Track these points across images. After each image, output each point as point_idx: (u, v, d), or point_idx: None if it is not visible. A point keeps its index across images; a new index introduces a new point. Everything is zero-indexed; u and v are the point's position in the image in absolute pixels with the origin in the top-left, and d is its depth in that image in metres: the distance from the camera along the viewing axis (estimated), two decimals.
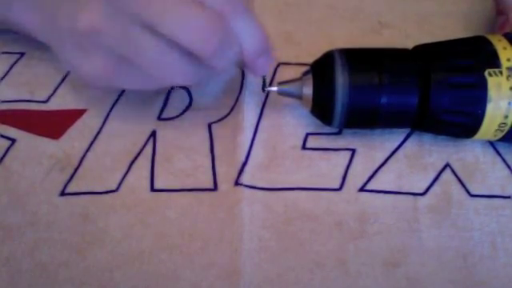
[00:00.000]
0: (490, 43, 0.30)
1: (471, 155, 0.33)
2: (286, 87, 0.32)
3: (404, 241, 0.30)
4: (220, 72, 0.29)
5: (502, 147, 0.34)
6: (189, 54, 0.27)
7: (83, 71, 0.29)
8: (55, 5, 0.30)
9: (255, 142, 0.34)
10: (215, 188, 0.32)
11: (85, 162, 0.33)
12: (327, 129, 0.34)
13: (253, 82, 0.36)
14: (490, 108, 0.29)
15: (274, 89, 0.32)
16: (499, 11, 0.36)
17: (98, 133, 0.34)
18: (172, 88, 0.36)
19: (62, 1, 0.29)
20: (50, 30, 0.31)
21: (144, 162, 0.33)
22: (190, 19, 0.25)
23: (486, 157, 0.33)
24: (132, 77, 0.29)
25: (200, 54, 0.26)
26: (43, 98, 0.35)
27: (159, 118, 0.35)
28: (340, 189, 0.32)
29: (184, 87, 0.36)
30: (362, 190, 0.32)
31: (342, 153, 0.34)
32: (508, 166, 0.33)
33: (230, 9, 0.27)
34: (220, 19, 0.26)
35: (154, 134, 0.34)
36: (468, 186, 0.32)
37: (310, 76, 0.31)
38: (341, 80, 0.30)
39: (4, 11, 0.33)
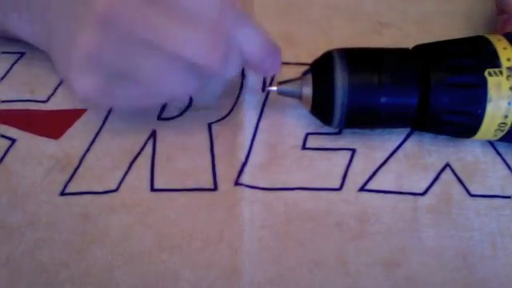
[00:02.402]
0: (489, 43, 0.30)
1: (471, 155, 0.33)
2: (285, 87, 0.32)
3: (404, 241, 0.30)
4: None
5: (502, 147, 0.34)
6: (190, 66, 0.27)
7: (79, 86, 0.28)
8: (52, 20, 0.29)
9: (255, 142, 0.34)
10: (215, 188, 0.32)
11: (85, 162, 0.33)
12: (327, 129, 0.34)
13: (253, 82, 0.36)
14: (489, 108, 0.29)
15: (274, 89, 0.32)
16: (500, 10, 0.36)
17: (98, 133, 0.34)
18: None
19: (59, 17, 0.29)
20: (46, 43, 0.31)
21: (144, 162, 0.33)
22: (192, 35, 0.26)
23: (486, 157, 0.33)
24: (129, 93, 0.29)
25: (206, 67, 0.27)
26: (43, 97, 0.35)
27: (159, 118, 0.35)
28: (340, 189, 0.32)
29: None
30: (362, 189, 0.32)
31: (342, 153, 0.34)
32: (508, 166, 0.33)
33: (227, 18, 0.26)
34: (220, 30, 0.26)
35: (154, 134, 0.34)
36: (468, 185, 0.32)
37: (309, 76, 0.31)
38: (340, 80, 0.30)
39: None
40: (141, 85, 0.28)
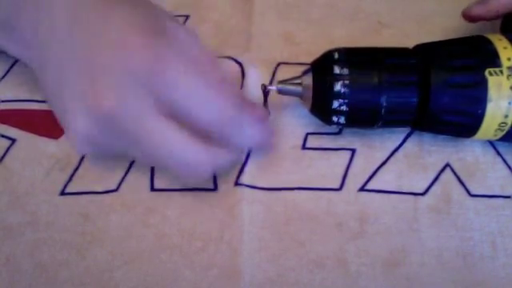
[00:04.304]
0: (490, 42, 0.30)
1: (471, 155, 0.33)
2: (285, 86, 0.32)
3: (404, 241, 0.30)
4: None
5: (502, 147, 0.34)
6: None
7: (74, 145, 0.28)
8: (43, 55, 0.29)
9: None
10: (215, 188, 0.32)
11: (85, 162, 0.33)
12: (327, 129, 0.34)
13: (253, 81, 0.36)
14: (490, 108, 0.29)
15: (274, 87, 0.32)
16: None
17: None
18: None
19: (55, 58, 0.28)
20: (36, 70, 0.30)
21: None
22: (184, 154, 0.27)
23: (486, 157, 0.33)
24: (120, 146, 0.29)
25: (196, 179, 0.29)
26: (43, 98, 0.35)
27: None
28: (340, 189, 0.32)
29: None
30: (362, 189, 0.32)
31: (342, 153, 0.34)
32: (508, 166, 0.33)
33: (226, 128, 0.28)
34: (209, 150, 0.27)
35: None
36: (468, 185, 0.32)
37: (309, 75, 0.31)
38: (340, 79, 0.30)
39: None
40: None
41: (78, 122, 0.26)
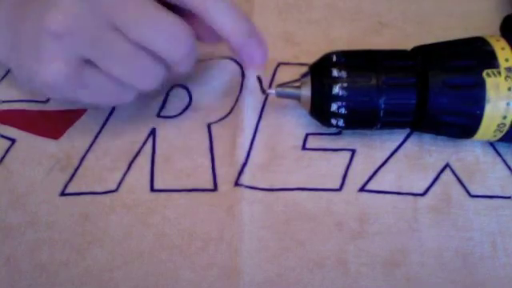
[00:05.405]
0: (488, 44, 0.30)
1: (471, 155, 0.33)
2: (284, 90, 0.32)
3: (404, 241, 0.30)
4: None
5: (502, 147, 0.34)
6: (158, 58, 0.28)
7: (42, 78, 0.27)
8: (20, 6, 0.29)
9: (255, 142, 0.34)
10: (215, 188, 0.32)
11: (85, 162, 0.33)
12: (327, 129, 0.34)
13: (253, 82, 0.36)
14: (488, 109, 0.29)
15: (273, 91, 0.32)
16: None
17: (98, 133, 0.34)
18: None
19: (27, 2, 0.28)
20: (9, 38, 0.30)
21: (144, 162, 0.33)
22: (161, 27, 0.27)
23: (486, 157, 0.33)
24: (97, 84, 0.28)
25: (169, 60, 0.28)
26: (43, 98, 0.35)
27: (159, 116, 0.35)
28: (340, 189, 0.32)
29: (183, 86, 0.36)
30: (361, 190, 0.32)
31: (342, 153, 0.34)
32: (508, 166, 0.33)
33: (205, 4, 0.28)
34: (189, 28, 0.27)
35: (153, 132, 0.34)
36: (468, 186, 0.32)
37: (308, 78, 0.31)
38: (339, 82, 0.30)
39: None
40: (108, 72, 0.28)
41: (48, 23, 0.26)
